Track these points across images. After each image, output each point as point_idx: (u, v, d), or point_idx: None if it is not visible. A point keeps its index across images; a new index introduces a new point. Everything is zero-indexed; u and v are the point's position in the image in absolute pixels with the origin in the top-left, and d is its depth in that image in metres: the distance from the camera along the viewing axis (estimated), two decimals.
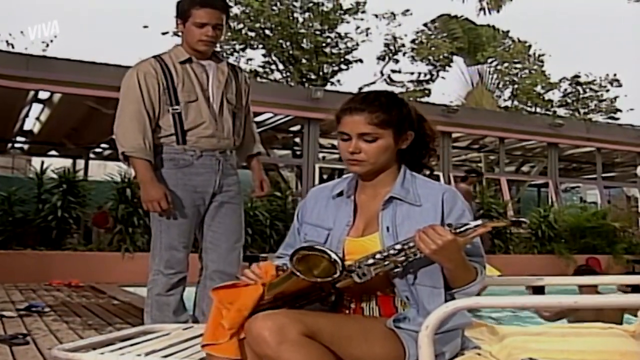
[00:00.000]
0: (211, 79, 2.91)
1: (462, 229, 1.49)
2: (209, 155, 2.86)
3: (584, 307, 3.46)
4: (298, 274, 1.44)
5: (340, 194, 1.74)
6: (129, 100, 2.79)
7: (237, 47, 17.69)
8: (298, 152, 12.71)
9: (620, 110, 21.55)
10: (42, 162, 9.68)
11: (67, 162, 13.66)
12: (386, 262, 1.52)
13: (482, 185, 13.53)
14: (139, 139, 2.74)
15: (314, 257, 1.48)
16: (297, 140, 13.18)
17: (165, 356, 1.67)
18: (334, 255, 1.48)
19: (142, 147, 2.75)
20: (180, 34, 2.93)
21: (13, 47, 16.38)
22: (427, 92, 19.85)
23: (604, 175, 15.05)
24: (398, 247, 1.52)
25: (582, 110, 21.19)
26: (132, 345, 1.81)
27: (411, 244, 1.51)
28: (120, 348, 1.76)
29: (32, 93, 10.40)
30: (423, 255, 1.50)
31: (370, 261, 1.52)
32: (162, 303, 2.81)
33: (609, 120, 20.53)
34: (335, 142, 2.12)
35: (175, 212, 2.79)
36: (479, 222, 1.51)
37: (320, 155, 12.19)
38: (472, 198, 10.06)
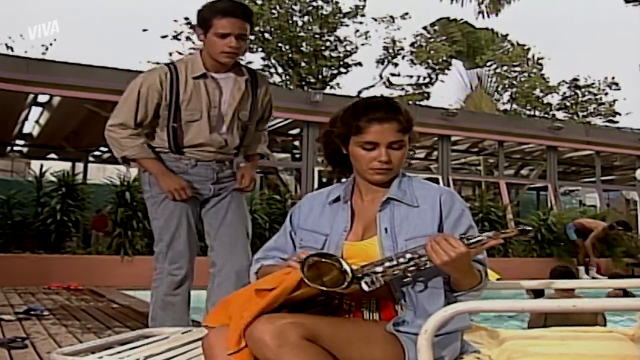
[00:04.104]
0: (225, 95, 2.81)
1: (474, 241, 1.49)
2: (204, 165, 2.85)
3: (583, 311, 3.46)
4: (307, 281, 1.43)
5: (337, 199, 1.74)
6: (124, 108, 2.77)
7: None
8: (297, 155, 12.73)
9: (619, 114, 21.59)
10: (41, 165, 9.69)
11: (67, 165, 13.65)
12: (395, 271, 1.50)
13: (482, 188, 13.56)
14: (135, 142, 2.75)
15: (324, 265, 1.47)
16: (297, 143, 13.19)
17: None
18: (345, 265, 1.47)
19: (141, 148, 2.76)
20: (201, 42, 2.80)
21: (13, 51, 16.40)
22: (426, 95, 19.90)
23: (603, 178, 15.06)
24: (408, 255, 1.51)
25: (581, 114, 21.24)
26: (130, 349, 1.80)
27: (421, 253, 1.50)
28: (119, 352, 1.75)
29: (31, 96, 10.41)
30: (433, 265, 1.49)
31: (379, 269, 1.50)
32: (168, 302, 2.81)
33: (608, 124, 20.57)
34: None
35: (173, 208, 2.79)
36: (490, 234, 1.51)
37: (320, 158, 12.18)
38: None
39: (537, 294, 4.61)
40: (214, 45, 2.68)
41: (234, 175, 2.97)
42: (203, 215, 2.94)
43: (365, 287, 1.48)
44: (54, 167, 10.25)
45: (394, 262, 1.51)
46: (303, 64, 18.11)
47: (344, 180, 1.80)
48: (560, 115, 20.79)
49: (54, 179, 9.12)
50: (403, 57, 19.52)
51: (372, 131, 1.63)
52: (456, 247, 1.46)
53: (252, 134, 3.01)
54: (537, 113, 20.56)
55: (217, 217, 2.91)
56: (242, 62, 2.96)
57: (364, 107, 1.66)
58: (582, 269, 10.21)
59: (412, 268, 1.51)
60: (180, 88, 2.75)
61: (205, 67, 2.78)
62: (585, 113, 21.33)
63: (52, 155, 14.85)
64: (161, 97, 2.74)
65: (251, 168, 3.07)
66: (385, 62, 19.52)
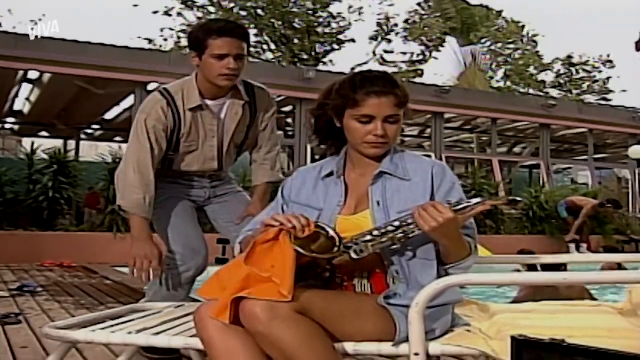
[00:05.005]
0: (223, 123, 2.70)
1: (461, 207, 1.49)
2: (197, 178, 2.81)
3: (574, 283, 3.51)
4: (297, 248, 1.43)
5: (330, 174, 1.74)
6: (137, 148, 2.59)
7: None
8: (290, 133, 12.69)
9: (612, 92, 21.66)
10: (33, 143, 9.64)
11: (58, 143, 13.58)
12: (384, 239, 1.51)
13: (474, 166, 13.60)
14: (140, 194, 2.57)
15: (311, 234, 1.48)
16: (289, 120, 13.14)
17: (156, 333, 1.67)
18: (331, 232, 1.48)
19: (141, 203, 2.57)
20: (196, 67, 2.60)
21: (1, 26, 16.19)
22: (419, 72, 19.83)
23: (595, 156, 15.12)
24: (396, 223, 1.52)
25: (574, 92, 21.27)
26: (123, 323, 1.81)
27: (409, 221, 1.51)
28: (112, 326, 1.76)
29: (21, 73, 10.30)
30: (421, 232, 1.50)
31: (368, 238, 1.51)
32: (172, 295, 2.77)
33: (602, 102, 20.61)
34: None
35: (172, 206, 2.75)
36: (478, 200, 1.51)
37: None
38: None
39: (530, 269, 4.67)
40: (211, 67, 2.51)
41: (231, 181, 2.93)
42: (210, 215, 2.88)
43: (353, 255, 1.49)
44: (45, 144, 10.20)
45: (383, 231, 1.52)
46: (296, 41, 17.99)
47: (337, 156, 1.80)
48: (554, 92, 20.82)
49: (45, 156, 9.08)
50: (397, 34, 19.43)
51: (369, 104, 1.62)
52: (443, 212, 1.46)
53: (252, 144, 2.89)
54: (530, 91, 20.56)
55: (227, 212, 2.87)
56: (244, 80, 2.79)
57: (362, 80, 1.64)
58: (572, 246, 10.32)
59: (400, 236, 1.51)
60: (180, 121, 2.62)
61: (202, 94, 2.62)
62: (579, 91, 21.36)
63: (44, 133, 14.77)
64: (166, 129, 2.61)
65: (259, 203, 2.86)
66: (379, 39, 19.42)
